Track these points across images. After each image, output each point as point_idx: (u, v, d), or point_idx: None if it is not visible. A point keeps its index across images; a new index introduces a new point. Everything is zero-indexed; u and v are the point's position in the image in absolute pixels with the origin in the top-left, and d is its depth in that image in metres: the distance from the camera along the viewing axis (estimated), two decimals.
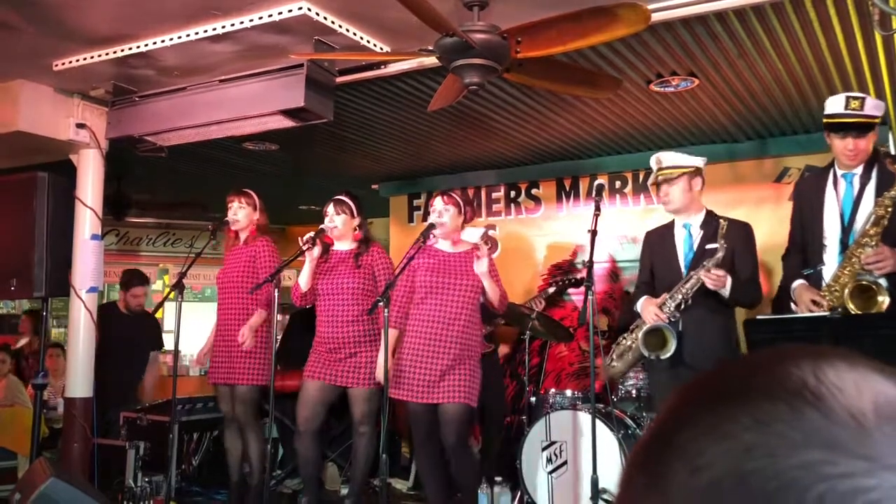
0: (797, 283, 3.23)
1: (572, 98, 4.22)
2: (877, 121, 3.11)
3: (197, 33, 3.34)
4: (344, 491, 4.87)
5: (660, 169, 3.63)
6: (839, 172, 3.22)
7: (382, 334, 3.68)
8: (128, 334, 5.27)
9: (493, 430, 5.00)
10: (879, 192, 3.05)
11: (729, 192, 4.97)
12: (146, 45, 3.49)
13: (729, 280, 3.39)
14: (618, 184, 5.65)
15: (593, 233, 3.51)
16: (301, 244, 3.95)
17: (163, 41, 3.44)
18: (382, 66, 3.72)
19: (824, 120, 3.19)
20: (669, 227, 3.73)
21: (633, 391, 4.42)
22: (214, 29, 3.29)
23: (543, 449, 4.05)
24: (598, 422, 3.49)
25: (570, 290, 5.67)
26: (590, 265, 3.48)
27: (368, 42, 3.37)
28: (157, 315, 6.56)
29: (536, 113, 4.58)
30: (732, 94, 4.21)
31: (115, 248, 8.16)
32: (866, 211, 3.09)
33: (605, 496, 3.53)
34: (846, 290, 2.99)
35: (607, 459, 3.66)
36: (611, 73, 3.73)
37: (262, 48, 3.44)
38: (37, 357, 6.18)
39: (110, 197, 5.56)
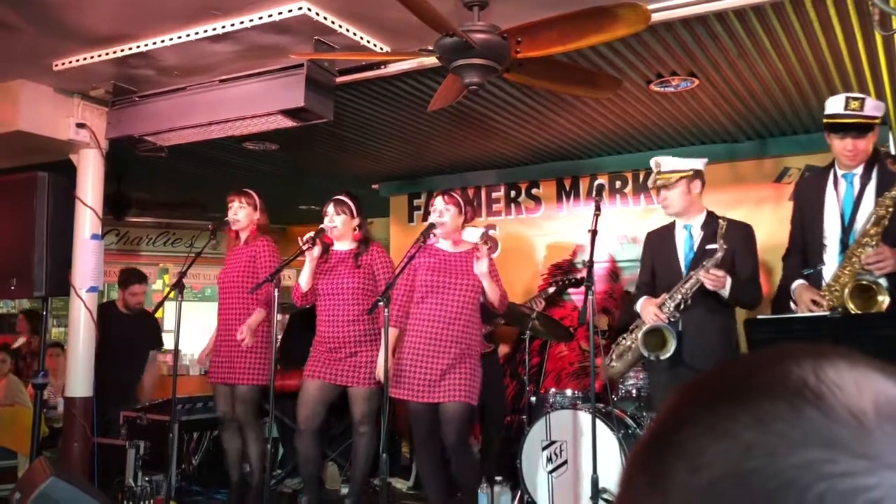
0: (797, 282, 3.24)
1: (572, 98, 4.22)
2: (876, 121, 3.11)
3: (197, 33, 3.34)
4: (344, 490, 4.87)
5: (658, 173, 3.63)
6: (839, 172, 3.23)
7: (382, 334, 3.68)
8: (127, 334, 5.27)
9: (493, 430, 5.00)
10: (880, 192, 3.06)
11: (729, 192, 4.97)
12: (146, 45, 3.49)
13: (728, 280, 3.39)
14: (618, 184, 5.65)
15: (593, 233, 3.52)
16: (301, 244, 3.95)
17: (163, 41, 3.44)
18: (382, 66, 3.72)
19: (824, 120, 3.20)
20: (670, 227, 3.73)
21: (634, 391, 4.42)
22: (214, 29, 3.29)
23: (543, 448, 4.05)
24: (598, 421, 3.49)
25: (570, 290, 5.67)
26: (590, 265, 3.48)
27: (368, 42, 3.37)
28: (158, 315, 6.57)
29: (536, 113, 4.58)
30: (732, 94, 4.21)
31: (115, 247, 8.16)
32: (866, 211, 3.09)
33: (605, 496, 3.54)
34: (846, 290, 2.99)
35: (607, 459, 3.67)
36: (611, 73, 3.73)
37: (262, 48, 3.44)
38: (35, 356, 6.20)
39: (110, 197, 5.56)
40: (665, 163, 3.64)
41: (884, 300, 2.91)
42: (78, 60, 3.72)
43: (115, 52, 3.59)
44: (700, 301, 3.45)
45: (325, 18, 3.16)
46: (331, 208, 4.12)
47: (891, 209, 2.97)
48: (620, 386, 4.45)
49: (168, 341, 6.79)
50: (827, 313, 2.97)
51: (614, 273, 5.59)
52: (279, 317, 4.38)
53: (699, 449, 0.37)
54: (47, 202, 3.77)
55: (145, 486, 4.26)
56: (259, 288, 3.96)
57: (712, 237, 3.47)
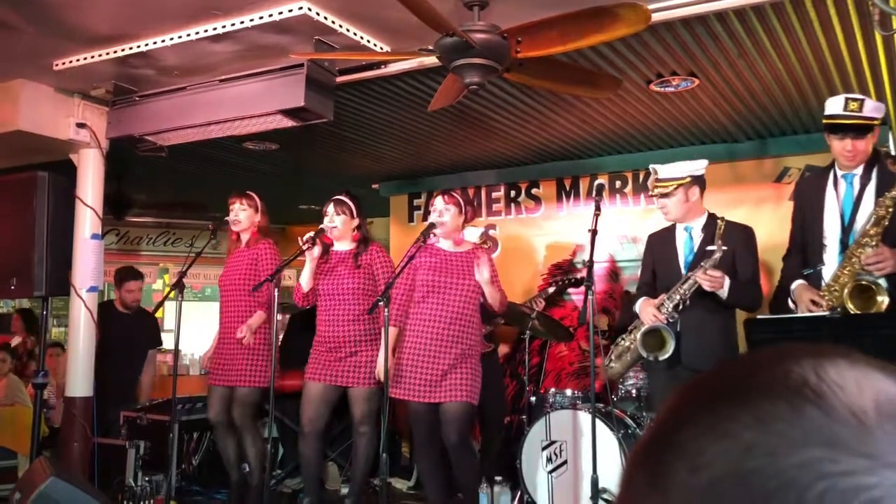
0: (797, 283, 3.24)
1: (572, 98, 4.22)
2: (876, 122, 3.11)
3: (197, 33, 3.34)
4: (344, 490, 4.87)
5: (656, 181, 3.64)
6: (839, 173, 3.23)
7: (382, 333, 3.68)
8: (126, 333, 5.26)
9: (493, 430, 5.00)
10: (880, 193, 3.06)
11: (729, 192, 4.97)
12: (146, 44, 3.49)
13: (727, 281, 3.39)
14: (618, 183, 5.65)
15: (593, 232, 3.52)
16: (301, 244, 3.95)
17: (163, 41, 3.44)
18: (382, 66, 3.72)
19: (824, 121, 3.20)
20: (671, 229, 3.74)
21: (634, 391, 4.42)
22: (215, 29, 3.29)
23: (543, 448, 4.05)
24: (598, 421, 3.49)
25: (571, 290, 5.67)
26: (590, 265, 3.48)
27: (368, 42, 3.37)
28: (158, 315, 6.56)
29: (536, 113, 4.58)
30: (732, 94, 4.21)
31: (116, 247, 8.16)
32: (866, 211, 3.09)
33: (605, 496, 3.54)
34: (846, 290, 2.99)
35: (607, 459, 3.67)
36: (611, 72, 3.73)
37: (263, 48, 3.44)
38: (30, 356, 6.21)
39: (110, 196, 5.56)
40: (662, 171, 3.64)
41: (883, 300, 2.91)
42: (78, 60, 3.72)
43: (115, 52, 3.59)
44: (699, 302, 3.45)
45: (326, 18, 3.16)
46: (331, 208, 4.12)
47: (891, 209, 2.97)
48: (620, 386, 4.45)
49: (168, 341, 6.79)
50: (826, 313, 2.97)
51: (614, 273, 5.59)
52: (279, 317, 4.38)
53: (699, 449, 0.37)
54: (47, 202, 3.77)
55: (145, 486, 4.26)
56: (260, 287, 3.96)
57: (712, 239, 3.47)
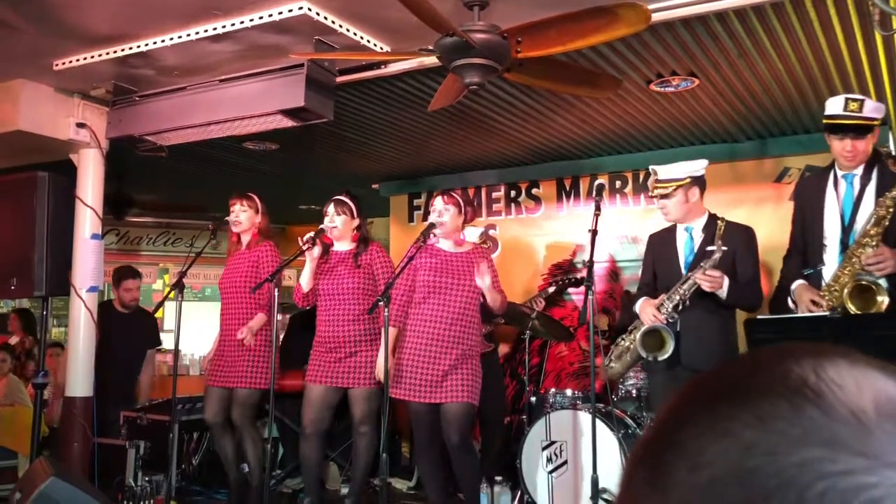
0: (797, 283, 3.24)
1: (572, 98, 4.22)
2: (876, 123, 3.11)
3: (197, 33, 3.34)
4: (344, 490, 4.87)
5: (656, 182, 3.64)
6: (839, 173, 3.23)
7: (382, 334, 3.68)
8: (125, 333, 5.25)
9: (493, 430, 5.00)
10: (880, 193, 3.06)
11: (729, 192, 4.97)
12: (146, 44, 3.49)
13: (726, 281, 3.39)
14: (618, 183, 5.65)
15: (593, 232, 3.52)
16: (301, 244, 3.96)
17: (163, 41, 3.45)
18: (382, 66, 3.72)
19: (824, 121, 3.20)
20: (671, 229, 3.74)
21: (634, 391, 4.43)
22: (215, 29, 3.29)
23: (543, 448, 4.05)
24: (598, 421, 3.49)
25: (571, 290, 5.67)
26: (590, 265, 3.48)
27: (369, 42, 3.37)
28: (158, 315, 6.56)
29: (537, 113, 4.58)
30: (733, 94, 4.21)
31: (116, 247, 8.16)
32: (866, 211, 3.09)
33: (605, 496, 3.54)
34: (846, 290, 2.99)
35: (607, 459, 3.67)
36: (611, 72, 3.73)
37: (263, 48, 3.44)
38: (28, 355, 6.21)
39: (110, 196, 5.56)
40: (662, 172, 3.64)
41: (883, 300, 2.91)
42: (78, 60, 3.72)
43: (115, 52, 3.60)
44: (699, 302, 3.45)
45: (326, 18, 3.16)
46: (331, 208, 4.12)
47: (891, 209, 2.97)
48: (620, 386, 4.46)
49: (168, 341, 6.79)
50: (826, 313, 2.97)
51: (614, 273, 5.59)
52: (279, 317, 4.38)
53: (699, 448, 0.37)
54: (47, 202, 3.77)
55: (145, 486, 4.26)
56: (260, 288, 3.96)
57: (712, 239, 3.47)
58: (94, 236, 4.28)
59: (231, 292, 4.33)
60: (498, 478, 4.28)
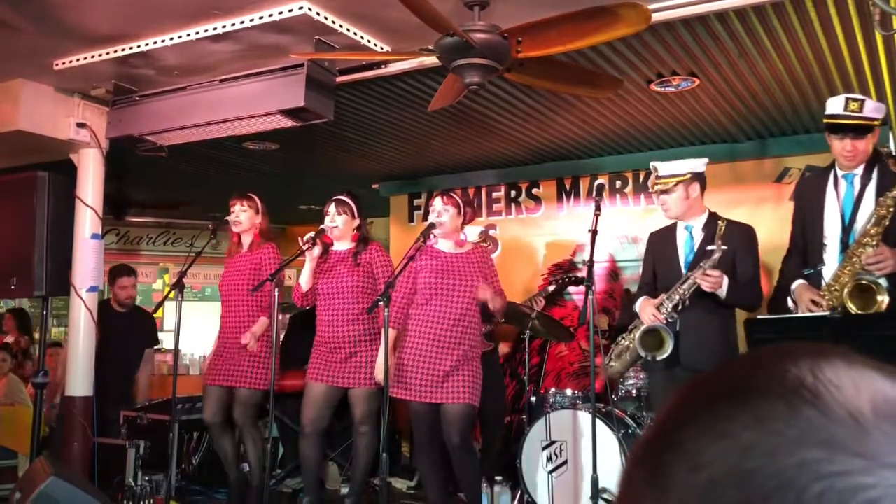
0: (797, 282, 3.24)
1: (573, 98, 4.22)
2: (876, 123, 3.11)
3: (197, 33, 3.34)
4: (344, 490, 4.87)
5: (656, 178, 3.64)
6: (840, 173, 3.23)
7: (382, 334, 3.68)
8: (123, 332, 5.23)
9: (493, 430, 5.00)
10: (880, 193, 3.06)
11: (729, 192, 4.97)
12: (147, 44, 3.49)
13: (725, 281, 3.38)
14: (618, 184, 5.65)
15: (594, 232, 3.52)
16: (301, 244, 3.96)
17: (163, 41, 3.45)
18: (383, 66, 3.72)
19: (824, 120, 3.20)
20: (672, 228, 3.73)
21: (634, 391, 4.43)
22: (215, 28, 3.29)
23: (543, 448, 4.05)
24: (598, 421, 3.49)
25: (571, 290, 5.67)
26: (590, 265, 3.48)
27: (369, 42, 3.37)
28: (157, 315, 6.56)
29: (537, 113, 4.58)
30: (733, 94, 4.21)
31: (116, 247, 8.16)
32: (867, 211, 3.09)
33: (605, 496, 3.54)
34: (846, 290, 2.99)
35: (607, 459, 3.67)
36: (611, 72, 3.73)
37: (263, 48, 3.44)
38: (25, 355, 6.21)
39: (110, 196, 5.55)
40: (662, 168, 3.64)
41: (883, 300, 2.91)
42: (78, 60, 3.72)
43: (115, 52, 3.60)
44: (698, 302, 3.45)
45: (326, 18, 3.16)
46: (332, 208, 4.12)
47: (891, 209, 2.97)
48: (620, 386, 4.46)
49: (168, 341, 6.79)
50: (826, 313, 2.97)
51: (614, 273, 5.60)
52: (279, 317, 4.39)
53: (698, 448, 0.37)
54: (47, 202, 3.77)
55: (145, 485, 4.26)
56: (260, 288, 3.96)
57: (713, 238, 3.46)
58: (94, 236, 4.28)
59: (232, 294, 4.32)
60: (498, 478, 4.28)
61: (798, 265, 3.33)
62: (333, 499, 4.87)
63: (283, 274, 4.10)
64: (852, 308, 2.97)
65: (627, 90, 4.10)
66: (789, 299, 3.28)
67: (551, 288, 5.46)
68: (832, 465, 0.33)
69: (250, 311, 4.25)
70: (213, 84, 3.81)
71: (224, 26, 3.26)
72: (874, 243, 2.97)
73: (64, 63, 3.77)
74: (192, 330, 6.53)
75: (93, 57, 3.67)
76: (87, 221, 4.26)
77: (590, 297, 3.38)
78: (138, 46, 3.52)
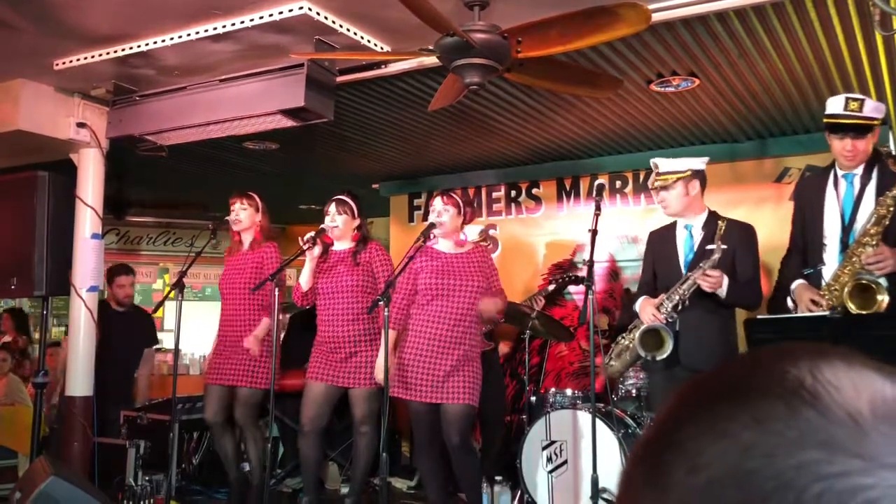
0: (797, 282, 3.24)
1: (573, 98, 4.22)
2: (876, 123, 3.10)
3: (198, 33, 3.34)
4: (344, 490, 4.87)
5: (656, 174, 3.63)
6: (840, 173, 3.23)
7: (383, 334, 3.68)
8: (121, 332, 5.22)
9: (493, 430, 5.00)
10: (880, 192, 3.06)
11: (729, 192, 4.97)
12: (147, 44, 3.49)
13: (725, 281, 3.38)
14: (618, 184, 5.65)
15: (594, 232, 3.52)
16: (301, 244, 3.96)
17: (163, 41, 3.45)
18: (383, 66, 3.72)
19: (824, 120, 3.20)
20: (671, 227, 3.73)
21: (634, 390, 4.43)
22: (215, 28, 3.29)
23: (543, 448, 4.05)
24: (598, 421, 3.49)
25: (571, 290, 5.67)
26: (590, 264, 3.48)
27: (369, 42, 3.37)
28: (158, 314, 6.56)
29: (537, 113, 4.58)
30: (733, 94, 4.21)
31: (116, 247, 8.16)
32: (867, 211, 3.09)
33: (605, 495, 3.54)
34: (846, 290, 2.99)
35: (607, 459, 3.67)
36: (611, 72, 3.73)
37: (263, 48, 3.44)
38: (23, 354, 6.21)
39: (110, 196, 5.55)
40: (663, 164, 3.64)
41: (883, 299, 2.90)
42: (78, 60, 3.72)
43: (115, 52, 3.60)
44: (698, 301, 3.44)
45: (326, 18, 3.16)
46: (332, 208, 4.12)
47: (891, 209, 2.97)
48: (620, 386, 4.46)
49: (168, 341, 6.78)
50: (826, 313, 2.97)
51: (614, 273, 5.60)
52: (279, 316, 4.39)
53: (698, 449, 0.37)
54: (48, 201, 3.77)
55: (145, 485, 4.26)
56: (260, 287, 3.96)
57: (712, 237, 3.46)
58: (95, 236, 4.28)
59: (233, 293, 4.32)
60: (498, 477, 4.28)
61: (798, 265, 3.33)
62: (333, 499, 4.87)
63: (283, 273, 4.10)
64: (852, 308, 2.97)
65: (627, 90, 4.10)
66: (789, 299, 3.28)
67: (551, 287, 5.46)
68: (831, 466, 0.34)
69: (251, 310, 4.25)
70: (213, 84, 3.81)
71: (224, 26, 3.26)
72: (874, 243, 2.97)
73: (64, 63, 3.77)
74: (193, 330, 6.52)
75: (93, 57, 3.67)
76: (87, 221, 4.27)
77: (590, 296, 3.38)
78: (138, 46, 3.52)
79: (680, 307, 3.45)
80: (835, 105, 3.13)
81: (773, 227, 4.46)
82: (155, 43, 3.47)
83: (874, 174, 3.14)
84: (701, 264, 3.41)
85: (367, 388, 4.00)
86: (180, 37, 3.39)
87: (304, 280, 4.07)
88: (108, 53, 3.62)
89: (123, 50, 3.57)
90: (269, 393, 3.91)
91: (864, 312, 2.92)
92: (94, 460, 4.20)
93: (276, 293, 3.96)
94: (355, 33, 3.30)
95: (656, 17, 2.92)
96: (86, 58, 3.70)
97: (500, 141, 5.23)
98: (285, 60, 3.52)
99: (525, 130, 4.97)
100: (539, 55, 2.82)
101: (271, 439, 4.04)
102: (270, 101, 3.60)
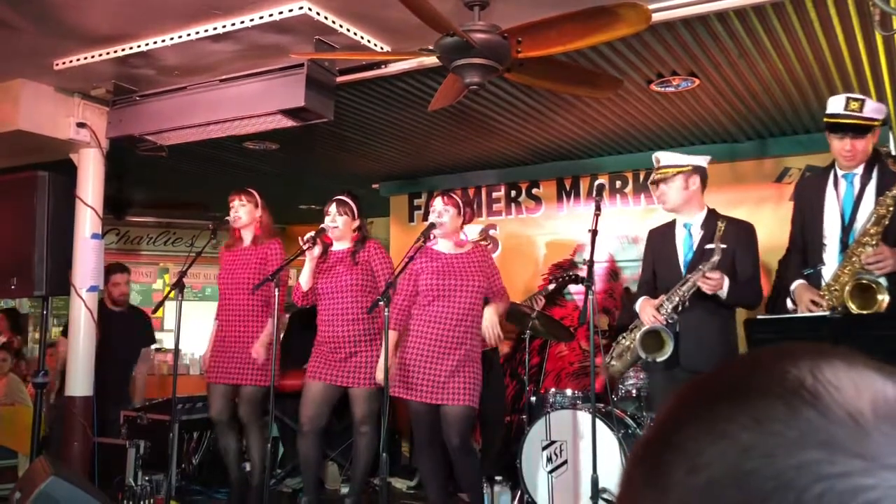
0: (797, 282, 3.23)
1: (573, 98, 4.22)
2: (876, 123, 3.10)
3: (198, 33, 3.34)
4: (344, 490, 4.87)
5: (657, 168, 3.63)
6: (840, 173, 3.23)
7: (383, 335, 3.68)
8: (121, 332, 5.22)
9: (493, 430, 5.00)
10: (880, 192, 3.05)
11: (729, 192, 4.97)
12: (147, 44, 3.50)
13: (726, 282, 3.37)
14: (618, 184, 5.65)
15: (594, 232, 3.51)
16: (301, 244, 3.96)
17: (163, 41, 3.45)
18: (383, 66, 3.72)
19: (825, 119, 3.20)
20: (671, 226, 3.72)
21: (634, 391, 4.43)
22: (215, 28, 3.29)
23: (543, 448, 4.05)
24: (598, 421, 3.49)
25: (571, 290, 5.67)
26: (590, 264, 3.48)
27: (369, 42, 3.37)
28: (158, 314, 6.55)
29: (537, 113, 4.58)
30: (733, 94, 4.21)
31: (116, 247, 8.16)
32: (867, 211, 3.09)
33: (605, 496, 3.54)
34: (846, 290, 2.98)
35: (607, 459, 3.67)
36: (611, 72, 3.73)
37: (263, 48, 3.44)
38: (18, 354, 6.20)
39: (111, 196, 5.55)
40: (664, 158, 3.63)
41: (883, 299, 2.90)
42: (78, 60, 3.72)
43: (115, 52, 3.60)
44: (699, 302, 3.44)
45: (326, 18, 3.16)
46: (333, 208, 4.11)
47: (891, 208, 2.97)
48: (620, 386, 4.46)
49: (168, 341, 6.78)
50: (826, 313, 2.97)
51: (614, 273, 5.60)
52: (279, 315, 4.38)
53: (698, 449, 0.37)
54: (48, 201, 3.77)
55: (145, 485, 4.26)
56: (260, 287, 3.95)
57: (712, 237, 3.46)
58: (95, 236, 4.28)
59: (235, 289, 4.29)
60: (498, 478, 4.28)
61: (798, 265, 3.33)
62: (333, 499, 4.87)
63: (286, 273, 4.09)
64: (852, 308, 2.97)
65: (627, 90, 4.10)
66: (789, 300, 3.28)
67: (551, 287, 5.46)
68: (832, 467, 0.33)
69: (254, 308, 4.23)
70: (213, 84, 3.81)
71: (224, 26, 3.26)
72: (874, 243, 2.97)
73: (64, 63, 3.77)
74: (193, 330, 6.53)
75: (93, 57, 3.67)
76: (87, 221, 4.27)
77: (590, 296, 3.38)
78: (138, 46, 3.52)
79: (680, 308, 3.45)
80: (835, 104, 3.13)
81: (773, 227, 4.45)
82: (155, 43, 3.47)
83: (874, 174, 3.14)
84: (700, 266, 3.40)
85: (366, 387, 4.00)
86: (180, 37, 3.39)
87: (304, 280, 4.07)
88: (108, 53, 3.62)
89: (123, 50, 3.57)
90: (269, 390, 3.92)
91: (864, 312, 2.92)
92: (94, 460, 4.20)
93: (277, 293, 3.95)
94: (355, 33, 3.30)
95: (656, 17, 2.92)
96: (86, 58, 3.70)
97: (500, 141, 5.23)
98: (285, 60, 3.52)
99: (525, 130, 4.97)
100: (539, 55, 2.82)
101: (271, 439, 4.04)
102: (270, 101, 3.60)
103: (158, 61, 3.68)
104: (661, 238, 3.74)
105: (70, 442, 4.20)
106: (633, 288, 4.93)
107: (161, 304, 4.48)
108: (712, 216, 3.59)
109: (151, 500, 4.22)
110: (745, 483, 0.34)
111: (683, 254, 3.61)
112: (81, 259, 4.20)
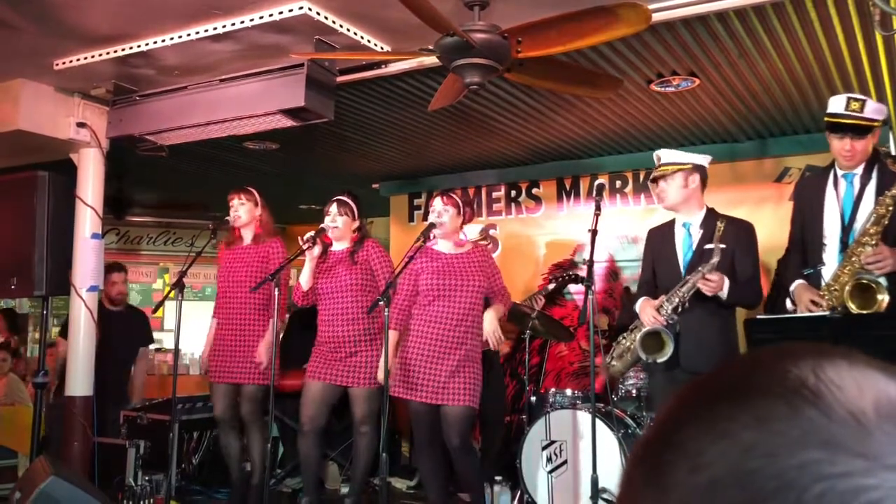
0: (797, 283, 3.23)
1: (573, 98, 4.22)
2: (876, 124, 3.10)
3: (198, 32, 3.34)
4: (344, 490, 4.87)
5: (658, 165, 3.63)
6: (839, 172, 3.22)
7: (383, 334, 3.68)
8: (120, 332, 5.21)
9: (493, 430, 5.00)
10: (880, 192, 3.05)
11: (729, 192, 4.97)
12: (147, 44, 3.49)
13: (726, 283, 3.37)
14: (618, 183, 5.65)
15: (594, 232, 3.51)
16: (301, 243, 3.96)
17: (163, 40, 3.45)
18: (383, 66, 3.72)
19: (825, 118, 3.20)
20: (670, 225, 3.72)
21: (634, 391, 4.42)
22: (215, 28, 3.29)
23: (543, 448, 4.05)
24: (597, 421, 3.49)
25: (571, 289, 5.67)
26: (590, 264, 3.47)
27: (369, 42, 3.37)
28: (158, 314, 6.55)
29: (537, 112, 4.58)
30: (733, 94, 4.21)
31: (116, 247, 8.16)
32: (866, 211, 3.09)
33: (604, 495, 3.54)
34: (846, 290, 2.98)
35: (607, 459, 3.67)
36: (611, 72, 3.73)
37: (263, 48, 3.44)
38: (16, 354, 6.20)
39: (111, 196, 5.55)
40: (665, 155, 3.63)
41: (883, 299, 2.90)
42: (78, 60, 3.72)
43: (115, 52, 3.60)
44: (699, 303, 3.43)
45: (326, 18, 3.16)
46: (333, 208, 4.11)
47: (891, 208, 2.97)
48: (620, 386, 4.45)
49: (168, 341, 6.78)
50: (826, 313, 2.97)
51: (614, 272, 5.60)
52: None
53: (699, 449, 0.37)
54: (48, 201, 3.77)
55: (145, 485, 4.26)
56: (260, 287, 3.95)
57: (711, 236, 3.45)
58: (95, 236, 4.28)
59: (236, 288, 4.29)
60: (498, 478, 4.28)
61: (797, 265, 3.32)
62: (333, 498, 4.87)
63: (286, 273, 4.08)
64: (852, 307, 2.96)
65: (627, 90, 4.10)
66: (788, 300, 3.28)
67: (551, 287, 5.46)
68: (833, 466, 0.33)
69: (255, 306, 4.23)
70: (213, 84, 3.81)
71: (224, 26, 3.26)
72: (873, 242, 2.97)
73: (64, 63, 3.77)
74: (193, 330, 6.53)
75: (93, 57, 3.67)
76: (87, 221, 4.26)
77: (590, 296, 3.38)
78: (138, 46, 3.52)
79: (680, 309, 3.44)
80: (836, 104, 3.13)
81: (773, 227, 4.45)
82: (155, 43, 3.47)
83: (874, 174, 3.14)
84: (700, 267, 3.39)
85: (366, 387, 4.00)
86: (180, 37, 3.39)
87: (305, 280, 4.07)
88: (108, 53, 3.62)
89: (123, 50, 3.57)
90: (273, 388, 3.92)
91: (864, 312, 2.92)
92: (94, 460, 4.20)
93: (278, 294, 3.95)
94: (355, 33, 3.30)
95: (656, 17, 2.92)
96: (86, 58, 3.70)
97: (500, 141, 5.23)
98: (285, 60, 3.52)
99: (525, 130, 4.97)
100: (539, 55, 2.82)
101: (271, 439, 4.04)
102: (270, 101, 3.60)
103: (158, 61, 3.68)
104: (661, 237, 3.73)
105: (70, 442, 4.20)
106: (633, 288, 4.93)
107: (161, 303, 4.48)
108: (711, 216, 3.58)
109: (151, 500, 4.22)
110: (747, 482, 0.34)
111: (683, 254, 3.60)
112: (81, 259, 4.20)
